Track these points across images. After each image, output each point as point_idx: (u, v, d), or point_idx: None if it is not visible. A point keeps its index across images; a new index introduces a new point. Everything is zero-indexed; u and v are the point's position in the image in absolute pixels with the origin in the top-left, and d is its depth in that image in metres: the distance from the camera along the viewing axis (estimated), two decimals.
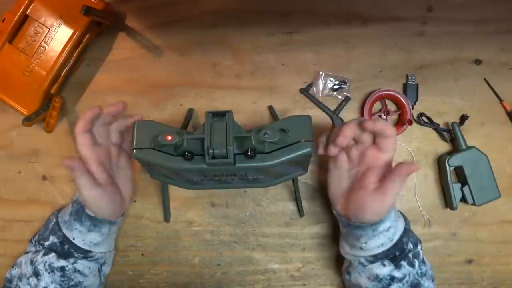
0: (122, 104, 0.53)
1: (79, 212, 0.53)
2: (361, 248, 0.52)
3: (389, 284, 0.51)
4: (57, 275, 0.53)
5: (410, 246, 0.52)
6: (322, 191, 0.63)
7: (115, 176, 0.55)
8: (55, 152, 0.64)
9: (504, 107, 0.63)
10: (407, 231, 0.52)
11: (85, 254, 0.54)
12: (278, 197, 0.63)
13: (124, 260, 0.63)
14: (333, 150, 0.50)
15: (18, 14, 0.58)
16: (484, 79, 0.63)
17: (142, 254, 0.64)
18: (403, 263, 0.51)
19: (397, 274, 0.50)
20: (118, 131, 0.55)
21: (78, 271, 0.54)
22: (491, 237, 0.62)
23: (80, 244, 0.53)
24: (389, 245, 0.50)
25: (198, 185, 0.58)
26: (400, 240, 0.51)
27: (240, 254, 0.63)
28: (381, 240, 0.50)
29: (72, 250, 0.53)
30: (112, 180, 0.54)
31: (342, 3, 0.64)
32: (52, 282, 0.53)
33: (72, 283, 0.54)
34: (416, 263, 0.52)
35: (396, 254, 0.51)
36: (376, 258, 0.51)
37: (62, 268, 0.53)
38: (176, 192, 0.63)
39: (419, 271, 0.51)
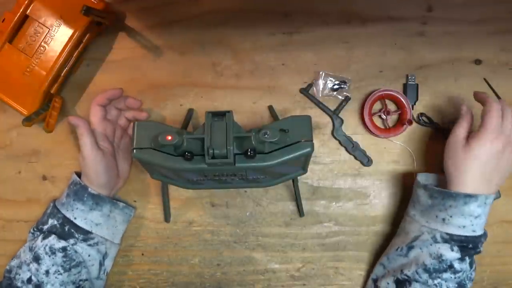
0: (140, 102, 0.60)
1: (79, 192, 0.55)
2: (443, 220, 0.52)
3: (445, 270, 0.52)
4: (59, 257, 0.53)
5: (481, 249, 0.53)
6: (322, 191, 0.63)
7: (116, 153, 0.59)
8: (55, 152, 0.64)
9: None
10: (485, 236, 0.54)
11: (86, 235, 0.55)
12: (278, 197, 0.63)
13: (124, 260, 0.63)
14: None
15: (18, 14, 0.58)
16: (484, 79, 0.63)
17: (142, 254, 0.64)
18: (467, 259, 0.52)
19: (456, 265, 0.51)
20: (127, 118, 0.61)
21: (79, 254, 0.55)
22: (491, 237, 0.62)
23: (81, 224, 0.54)
24: (469, 232, 0.52)
25: (198, 185, 0.58)
26: (479, 236, 0.52)
27: (240, 254, 0.63)
28: (466, 222, 0.51)
29: (72, 230, 0.54)
30: (113, 153, 0.58)
31: (342, 3, 0.64)
32: (53, 265, 0.53)
33: (73, 263, 0.54)
34: (473, 266, 0.53)
35: (469, 246, 0.52)
36: (450, 239, 0.52)
37: (64, 249, 0.53)
38: (176, 192, 0.63)
39: (470, 275, 0.53)
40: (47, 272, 0.53)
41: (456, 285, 0.52)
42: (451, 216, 0.52)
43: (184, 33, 0.65)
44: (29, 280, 0.53)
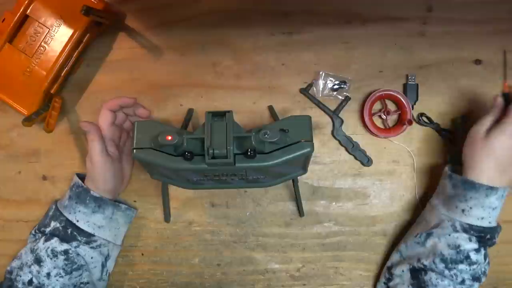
0: (149, 111, 0.59)
1: (81, 195, 0.55)
2: (463, 211, 0.53)
3: (462, 261, 0.52)
4: (60, 259, 0.53)
5: (497, 239, 0.54)
6: (322, 191, 0.63)
7: (120, 157, 0.59)
8: (55, 152, 0.64)
9: (504, 87, 0.61)
10: (500, 228, 0.55)
11: (88, 238, 0.55)
12: (278, 197, 0.63)
13: (124, 260, 0.63)
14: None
15: (18, 14, 0.58)
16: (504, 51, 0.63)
17: (142, 254, 0.64)
18: (483, 251, 0.53)
19: (473, 256, 0.52)
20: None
21: (81, 256, 0.55)
22: None
23: (84, 227, 0.54)
24: (486, 224, 0.53)
25: (198, 185, 0.58)
26: (495, 228, 0.54)
27: (240, 254, 0.63)
28: (485, 213, 0.53)
29: (75, 233, 0.54)
30: (119, 158, 0.58)
31: (342, 3, 0.64)
32: (54, 268, 0.53)
33: (75, 266, 0.54)
34: (487, 260, 0.54)
35: (487, 236, 0.53)
36: (470, 229, 0.53)
37: (66, 252, 0.53)
38: (176, 192, 0.63)
39: (483, 268, 0.54)
40: (48, 275, 0.53)
41: (471, 278, 0.53)
42: (471, 208, 0.53)
43: (184, 34, 0.65)
44: (30, 282, 0.53)
